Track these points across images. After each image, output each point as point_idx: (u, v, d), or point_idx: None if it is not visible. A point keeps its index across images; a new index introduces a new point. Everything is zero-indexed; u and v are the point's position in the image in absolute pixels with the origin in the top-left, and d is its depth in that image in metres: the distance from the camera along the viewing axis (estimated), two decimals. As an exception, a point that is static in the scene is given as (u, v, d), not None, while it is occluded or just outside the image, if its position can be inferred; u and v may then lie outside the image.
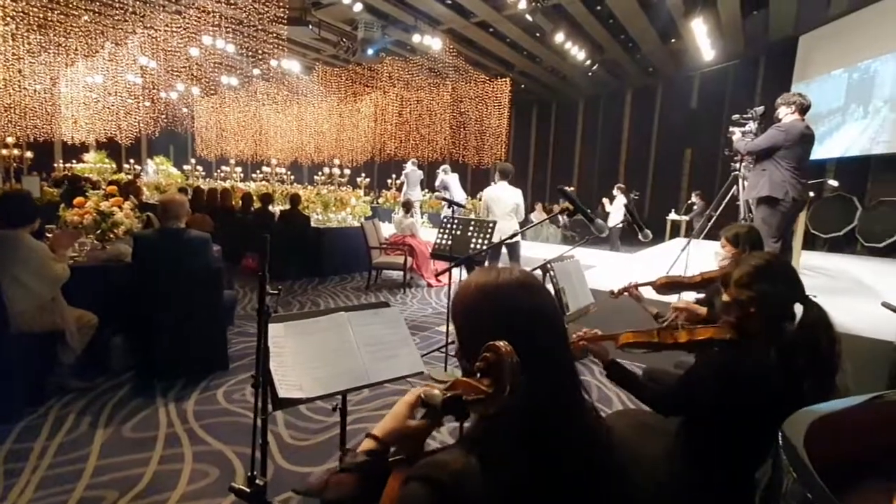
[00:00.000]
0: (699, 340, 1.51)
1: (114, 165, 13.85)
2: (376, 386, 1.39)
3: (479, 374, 0.63)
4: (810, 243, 7.95)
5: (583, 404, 0.77)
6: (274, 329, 1.27)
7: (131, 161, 14.01)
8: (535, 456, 0.68)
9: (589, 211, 1.99)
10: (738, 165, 4.61)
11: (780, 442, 0.75)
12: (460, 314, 0.80)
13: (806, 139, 3.40)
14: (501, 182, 4.59)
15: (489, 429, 0.68)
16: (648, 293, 2.38)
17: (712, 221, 5.12)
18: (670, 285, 2.30)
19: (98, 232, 3.36)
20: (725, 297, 1.41)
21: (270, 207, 6.60)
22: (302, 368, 1.26)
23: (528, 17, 8.77)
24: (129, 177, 12.52)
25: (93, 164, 13.35)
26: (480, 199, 4.94)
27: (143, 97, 13.12)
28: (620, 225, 8.86)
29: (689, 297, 2.54)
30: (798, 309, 1.32)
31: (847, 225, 8.15)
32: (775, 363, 1.23)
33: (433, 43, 9.78)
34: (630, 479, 0.80)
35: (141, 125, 13.89)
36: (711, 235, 5.17)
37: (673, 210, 10.85)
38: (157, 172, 13.95)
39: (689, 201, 10.59)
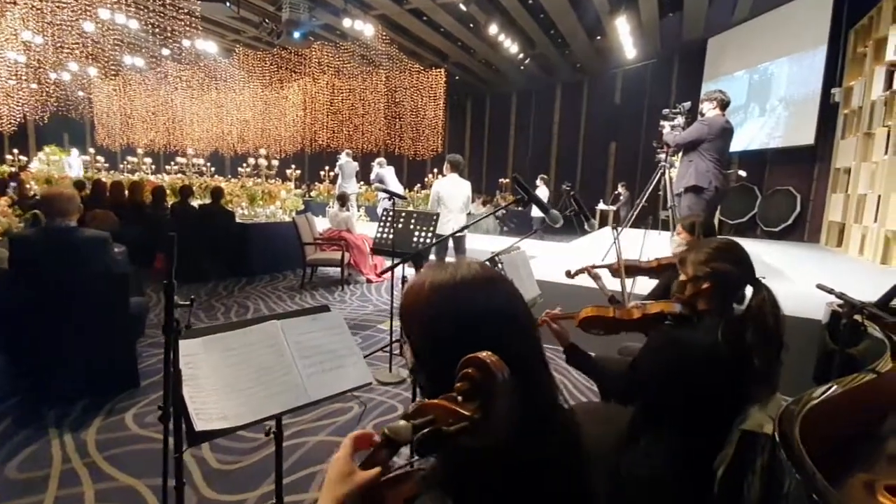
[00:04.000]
0: (651, 315, 1.54)
1: (-7, 157, 11.99)
2: (317, 404, 1.21)
3: (460, 398, 0.50)
4: (718, 229, 8.71)
5: (563, 410, 0.68)
6: (188, 346, 1.05)
7: (15, 151, 12.14)
8: (524, 487, 0.58)
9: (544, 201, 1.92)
10: (663, 157, 4.85)
11: (778, 440, 0.70)
12: (414, 322, 0.66)
13: (726, 133, 3.63)
14: (452, 174, 4.46)
15: (468, 463, 0.55)
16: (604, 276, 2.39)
17: (638, 210, 5.40)
18: (627, 269, 2.32)
19: (-35, 233, 2.80)
20: (682, 277, 1.45)
21: (191, 201, 5.97)
22: (225, 392, 1.05)
23: (462, 7, 8.69)
24: (13, 168, 10.89)
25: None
26: (430, 192, 4.80)
27: (27, 78, 11.38)
28: (542, 216, 9.20)
29: (645, 281, 2.59)
30: (748, 292, 1.37)
31: (749, 211, 9.03)
32: (725, 337, 1.27)
33: (365, 29, 9.40)
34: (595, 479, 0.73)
35: (25, 110, 12.09)
36: (637, 223, 5.47)
37: (601, 200, 11.39)
38: (82, 166, 12.02)
39: (616, 192, 11.19)
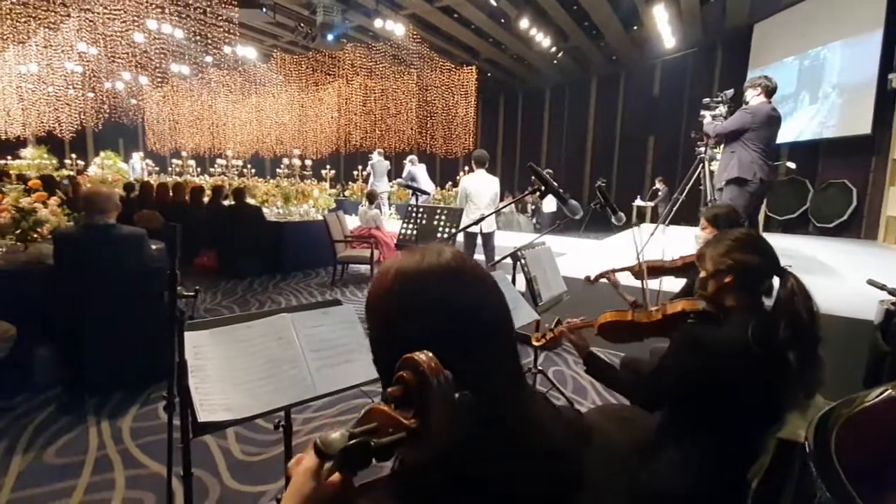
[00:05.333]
0: (672, 315, 1.43)
1: (55, 161, 12.88)
2: (325, 397, 1.21)
3: (393, 404, 0.45)
4: (766, 225, 8.21)
5: (534, 427, 0.60)
6: (195, 338, 1.06)
7: (73, 156, 13.02)
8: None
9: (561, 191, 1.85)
10: (703, 149, 4.60)
11: (811, 448, 0.62)
12: (374, 312, 0.60)
13: (772, 121, 3.39)
14: (479, 171, 4.43)
15: (416, 480, 0.49)
16: (627, 279, 2.28)
17: (677, 205, 5.15)
18: (651, 270, 2.21)
19: (18, 232, 2.99)
20: (702, 273, 1.35)
21: (224, 201, 6.19)
22: (231, 384, 1.05)
23: (493, 2, 8.59)
24: (71, 173, 11.67)
25: (30, 160, 12.38)
26: (458, 190, 4.78)
27: (84, 87, 12.18)
28: (554, 210, 9.58)
29: (670, 281, 2.46)
30: (775, 284, 1.27)
31: (800, 206, 8.45)
32: (756, 335, 1.17)
33: (396, 28, 9.47)
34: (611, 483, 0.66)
35: (83, 117, 12.94)
36: (676, 220, 5.23)
37: (638, 196, 11.00)
38: (144, 168, 13.37)
39: (654, 187, 10.77)
